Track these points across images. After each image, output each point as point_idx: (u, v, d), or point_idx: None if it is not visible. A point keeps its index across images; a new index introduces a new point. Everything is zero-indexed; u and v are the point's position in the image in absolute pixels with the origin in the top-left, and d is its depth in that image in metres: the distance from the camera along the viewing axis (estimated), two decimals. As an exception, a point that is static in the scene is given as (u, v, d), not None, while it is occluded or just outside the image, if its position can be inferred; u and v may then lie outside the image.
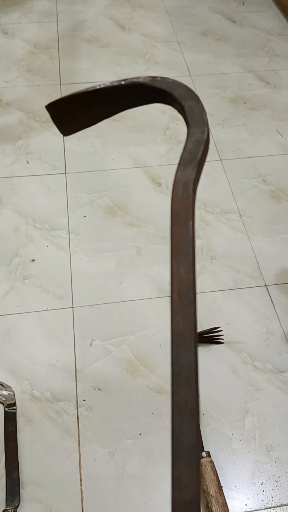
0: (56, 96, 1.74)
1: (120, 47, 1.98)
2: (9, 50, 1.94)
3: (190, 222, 0.34)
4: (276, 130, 1.68)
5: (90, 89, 0.47)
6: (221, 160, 1.57)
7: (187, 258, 0.33)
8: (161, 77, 0.44)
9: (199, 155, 0.38)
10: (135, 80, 0.45)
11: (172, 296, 0.32)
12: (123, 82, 0.45)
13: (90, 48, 1.96)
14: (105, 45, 1.98)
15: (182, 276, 0.33)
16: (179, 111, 0.43)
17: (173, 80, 0.44)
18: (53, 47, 1.96)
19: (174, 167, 1.33)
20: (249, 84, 1.85)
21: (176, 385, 0.30)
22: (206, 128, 0.40)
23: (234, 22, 2.15)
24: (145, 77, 0.44)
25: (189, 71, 1.87)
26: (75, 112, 0.51)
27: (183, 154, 0.39)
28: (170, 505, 0.28)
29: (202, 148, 0.38)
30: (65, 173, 1.51)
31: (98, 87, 0.46)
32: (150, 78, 0.44)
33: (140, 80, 0.44)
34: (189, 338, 0.31)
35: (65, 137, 0.51)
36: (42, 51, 1.94)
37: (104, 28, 2.07)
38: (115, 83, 0.45)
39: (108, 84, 0.46)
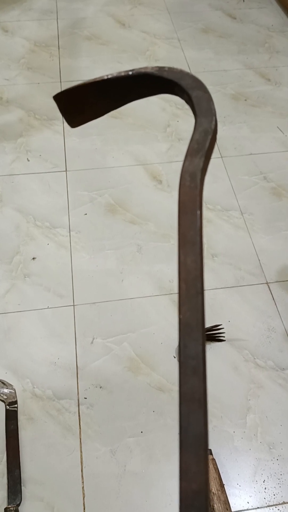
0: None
1: (120, 45, 1.97)
2: (9, 48, 1.93)
3: (198, 212, 0.34)
4: (277, 127, 1.67)
5: (98, 79, 0.46)
6: (222, 157, 1.57)
7: (195, 248, 0.33)
8: (169, 67, 0.43)
9: (207, 145, 0.37)
10: (142, 70, 0.44)
11: (179, 286, 0.32)
12: (130, 73, 0.45)
13: (90, 45, 1.96)
14: (105, 43, 1.98)
15: (189, 266, 0.32)
16: (186, 102, 0.42)
17: (181, 70, 0.43)
18: (53, 44, 1.96)
19: (175, 165, 1.33)
20: (250, 81, 1.84)
21: (183, 374, 0.30)
22: (213, 118, 0.39)
23: (235, 18, 2.14)
24: (152, 67, 0.44)
25: (189, 68, 1.87)
26: (83, 103, 0.50)
27: (190, 144, 0.38)
28: (178, 495, 0.27)
29: (209, 137, 0.38)
30: (66, 171, 1.51)
31: (105, 77, 0.46)
32: (157, 68, 0.44)
33: (148, 70, 0.44)
34: (196, 328, 0.31)
35: (72, 128, 0.50)
36: (42, 48, 1.94)
37: (104, 26, 2.06)
38: (123, 74, 0.45)
39: (115, 74, 0.45)
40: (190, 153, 0.37)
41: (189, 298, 0.31)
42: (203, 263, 0.33)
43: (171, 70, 0.43)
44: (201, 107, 0.40)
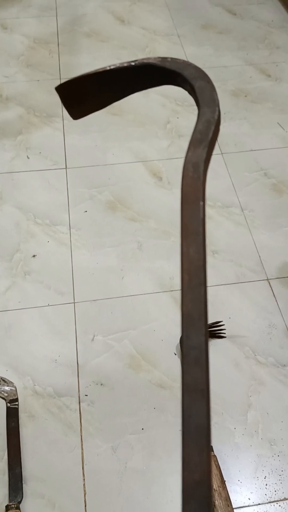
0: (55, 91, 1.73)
1: (120, 41, 1.96)
2: (9, 45, 1.93)
3: (201, 203, 0.34)
4: (278, 123, 1.67)
5: (100, 70, 0.46)
6: (222, 153, 1.56)
7: (197, 239, 0.32)
8: (171, 58, 0.43)
9: (210, 135, 0.37)
10: (145, 60, 0.44)
11: (182, 277, 0.32)
12: (133, 63, 0.45)
13: (89, 42, 1.95)
14: (105, 39, 1.97)
15: (191, 256, 0.32)
16: (189, 92, 0.42)
17: (183, 60, 0.43)
18: (52, 41, 1.95)
19: (175, 161, 1.33)
20: (250, 77, 1.84)
21: (186, 365, 0.30)
22: (217, 108, 0.39)
23: (235, 14, 2.13)
24: (155, 58, 0.44)
25: (189, 65, 1.86)
26: (85, 94, 0.50)
27: (193, 134, 0.38)
28: (181, 485, 0.27)
29: (212, 128, 0.38)
30: (66, 168, 1.51)
31: (108, 68, 0.45)
32: (160, 59, 0.44)
33: (150, 61, 0.44)
34: (198, 318, 0.31)
35: (74, 120, 0.50)
36: (42, 45, 1.93)
37: (103, 22, 2.05)
38: (125, 64, 0.45)
39: (118, 65, 0.45)
40: (193, 144, 0.37)
41: (191, 289, 0.31)
42: (206, 255, 0.33)
43: (174, 60, 0.43)
44: (204, 97, 0.40)
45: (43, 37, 1.97)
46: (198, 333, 0.30)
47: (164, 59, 0.44)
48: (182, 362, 0.30)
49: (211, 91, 0.40)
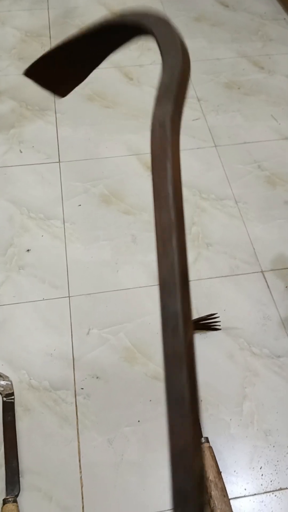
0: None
1: (113, 34, 1.95)
2: (0, 38, 1.91)
3: (168, 165, 0.30)
4: (271, 115, 1.67)
5: (60, 43, 0.43)
6: (216, 146, 1.56)
7: (168, 202, 0.30)
8: (131, 11, 0.39)
9: (174, 85, 0.33)
10: (104, 22, 0.41)
11: (156, 245, 0.30)
12: (92, 27, 0.41)
13: (82, 35, 1.94)
14: (97, 32, 1.96)
15: (163, 222, 0.30)
16: (157, 44, 0.38)
17: (145, 10, 0.39)
18: (44, 34, 1.94)
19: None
20: (243, 69, 1.83)
21: (164, 337, 0.29)
22: (179, 52, 0.34)
23: (227, 7, 2.12)
24: (115, 14, 0.40)
25: (182, 57, 1.85)
26: (59, 71, 0.48)
27: (158, 89, 0.33)
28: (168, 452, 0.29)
29: (177, 76, 0.33)
30: (59, 161, 1.50)
31: (67, 39, 0.43)
32: (119, 15, 0.40)
33: (110, 20, 0.40)
34: (173, 285, 0.29)
35: (63, 97, 0.49)
36: (34, 39, 1.92)
37: (95, 15, 2.04)
38: (84, 31, 0.42)
39: (77, 33, 0.42)
40: (158, 99, 0.33)
41: (165, 255, 0.29)
42: (183, 218, 0.30)
43: (133, 13, 0.39)
44: (165, 43, 0.35)
45: (35, 30, 1.95)
46: (174, 300, 0.29)
47: (123, 14, 0.39)
48: (162, 333, 0.29)
49: (172, 35, 0.36)
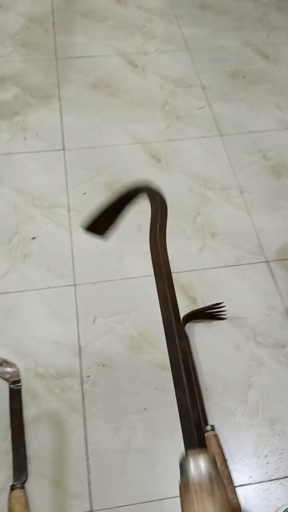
0: (52, 71, 1.71)
1: (116, 21, 1.94)
2: (3, 25, 1.89)
3: (161, 258, 0.54)
4: (276, 104, 1.66)
5: (108, 206, 0.67)
6: (220, 135, 1.56)
7: (163, 277, 0.53)
8: (145, 184, 0.63)
9: (159, 217, 0.57)
10: (127, 193, 0.65)
11: (158, 298, 0.51)
12: (129, 194, 0.65)
13: (85, 22, 1.92)
14: (101, 19, 1.94)
15: (160, 287, 0.53)
16: (148, 198, 0.62)
17: (143, 184, 0.64)
18: (48, 21, 1.92)
19: (174, 143, 1.32)
20: (248, 58, 1.82)
21: (167, 340, 0.48)
22: (160, 201, 0.60)
23: (232, -6, 2.10)
24: (137, 185, 0.64)
25: (187, 45, 1.84)
26: (102, 222, 0.70)
27: (150, 219, 0.58)
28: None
29: (160, 213, 0.58)
30: (63, 149, 1.49)
31: (114, 200, 0.67)
32: (140, 188, 0.64)
33: (129, 192, 0.65)
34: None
35: (104, 237, 0.76)
36: (37, 25, 1.90)
37: (99, 2, 2.02)
38: (124, 193, 0.65)
39: (118, 196, 0.66)
40: (151, 225, 0.57)
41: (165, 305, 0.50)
42: (172, 283, 0.52)
43: (146, 187, 0.63)
44: (152, 197, 0.60)
45: (38, 16, 1.93)
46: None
47: (141, 187, 0.64)
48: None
49: (155, 193, 0.60)
